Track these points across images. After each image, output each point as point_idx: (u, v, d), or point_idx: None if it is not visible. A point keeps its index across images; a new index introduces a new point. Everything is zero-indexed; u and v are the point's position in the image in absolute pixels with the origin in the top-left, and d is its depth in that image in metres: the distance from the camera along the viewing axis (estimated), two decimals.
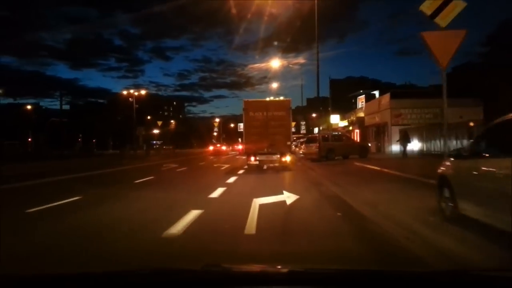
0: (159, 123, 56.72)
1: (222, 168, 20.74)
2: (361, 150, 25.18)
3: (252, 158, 17.54)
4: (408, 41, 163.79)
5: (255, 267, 2.32)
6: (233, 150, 52.10)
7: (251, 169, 18.15)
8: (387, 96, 31.59)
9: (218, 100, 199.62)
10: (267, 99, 22.65)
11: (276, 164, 17.52)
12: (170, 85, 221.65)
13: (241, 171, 17.31)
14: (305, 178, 13.83)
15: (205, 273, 1.91)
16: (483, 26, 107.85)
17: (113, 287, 1.76)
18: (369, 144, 27.04)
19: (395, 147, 30.64)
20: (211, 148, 47.15)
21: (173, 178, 14.84)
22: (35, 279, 1.81)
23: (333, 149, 24.10)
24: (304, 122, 58.70)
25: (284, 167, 17.48)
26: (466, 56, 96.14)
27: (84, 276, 1.90)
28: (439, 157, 21.46)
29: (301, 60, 33.83)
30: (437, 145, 25.92)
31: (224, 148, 48.46)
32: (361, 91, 54.39)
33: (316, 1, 20.49)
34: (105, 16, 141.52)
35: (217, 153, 43.11)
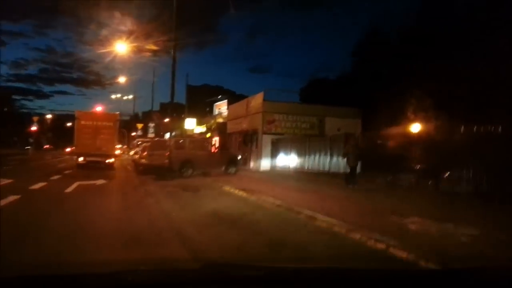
0: None
1: None
2: (229, 164, 18.06)
3: (81, 158, 20.27)
4: (260, 59, 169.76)
5: (255, 267, 2.08)
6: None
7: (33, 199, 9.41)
8: (259, 97, 25.30)
9: (62, 96, 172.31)
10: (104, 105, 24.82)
11: (102, 165, 19.89)
12: (3, 74, 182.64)
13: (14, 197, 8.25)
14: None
15: (205, 273, 1.86)
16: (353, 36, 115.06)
17: (113, 287, 1.68)
18: (240, 157, 20.05)
19: (265, 162, 24.61)
20: (68, 149, 53.56)
21: None
22: (32, 280, 1.74)
23: (191, 161, 16.28)
24: (153, 124, 49.44)
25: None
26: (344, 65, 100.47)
27: (83, 276, 1.78)
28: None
29: (153, 47, 26.01)
30: (316, 161, 21.03)
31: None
32: (220, 96, 49.08)
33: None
34: None
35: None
